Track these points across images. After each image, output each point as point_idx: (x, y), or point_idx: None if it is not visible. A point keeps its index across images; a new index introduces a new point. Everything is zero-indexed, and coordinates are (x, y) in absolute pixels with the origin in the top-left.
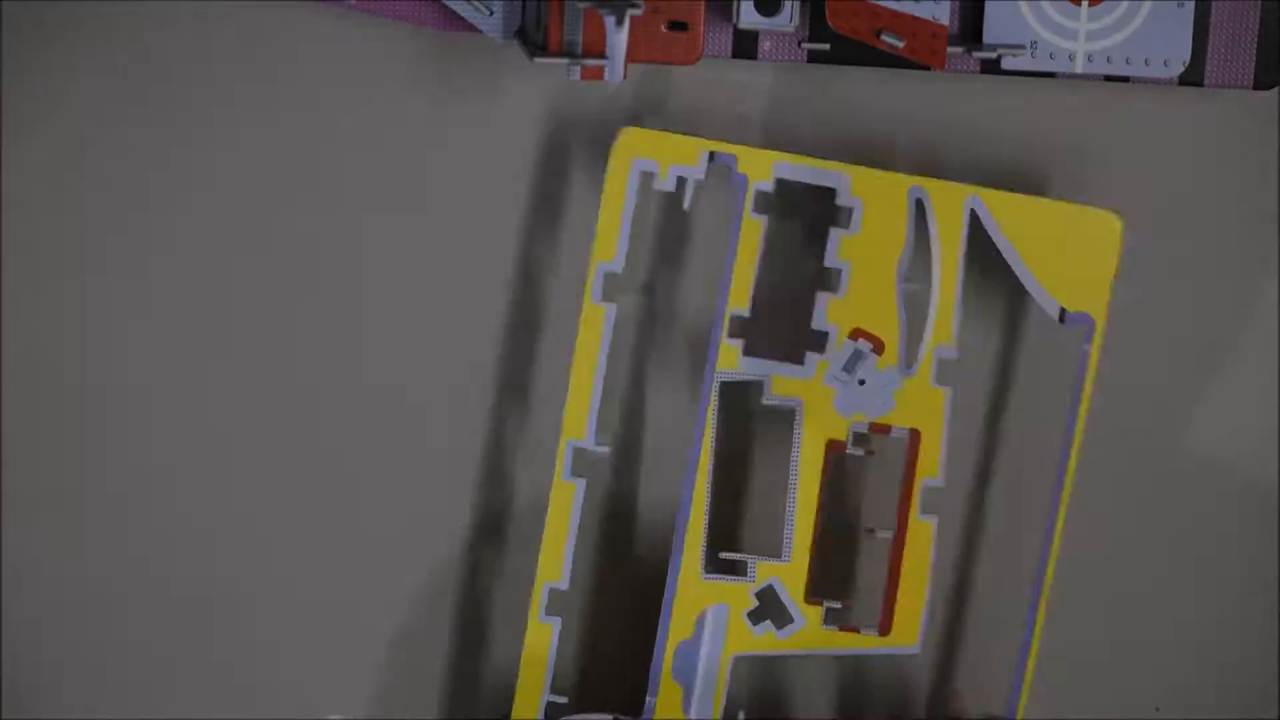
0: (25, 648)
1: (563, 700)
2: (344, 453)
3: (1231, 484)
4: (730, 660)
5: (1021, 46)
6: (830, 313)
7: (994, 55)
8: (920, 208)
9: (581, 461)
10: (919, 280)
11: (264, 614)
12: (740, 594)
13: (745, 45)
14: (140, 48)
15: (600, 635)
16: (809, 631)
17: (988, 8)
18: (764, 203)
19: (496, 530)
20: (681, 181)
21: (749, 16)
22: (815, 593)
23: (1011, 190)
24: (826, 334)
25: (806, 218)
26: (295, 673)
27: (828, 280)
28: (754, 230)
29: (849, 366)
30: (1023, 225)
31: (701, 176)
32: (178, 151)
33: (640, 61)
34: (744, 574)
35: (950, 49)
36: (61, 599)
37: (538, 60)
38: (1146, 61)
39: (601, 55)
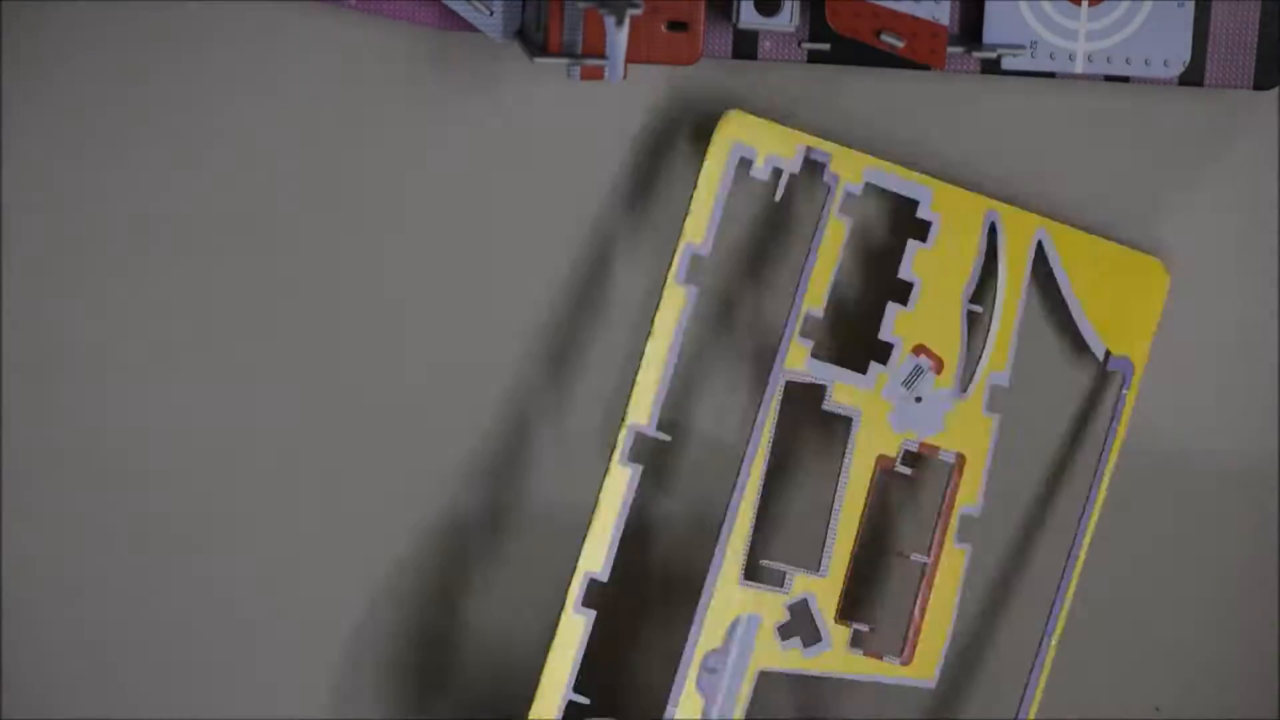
0: (25, 648)
1: (585, 701)
2: (351, 451)
3: (1231, 484)
4: (755, 674)
5: (1021, 46)
6: (898, 325)
7: (994, 55)
8: (993, 232)
9: (640, 447)
10: (982, 304)
11: (266, 612)
12: (775, 605)
13: (745, 45)
14: (139, 47)
15: (628, 635)
16: (835, 654)
17: (988, 8)
18: (850, 205)
19: (505, 528)
20: (777, 172)
21: (749, 16)
22: (846, 613)
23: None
24: (891, 346)
25: (887, 228)
26: (297, 672)
27: (898, 292)
28: (838, 231)
29: (908, 382)
30: (1081, 261)
31: (796, 170)
32: (177, 152)
33: (640, 62)
34: (780, 585)
35: (950, 49)
36: (61, 599)
37: (538, 60)
38: (1146, 61)
39: (601, 55)
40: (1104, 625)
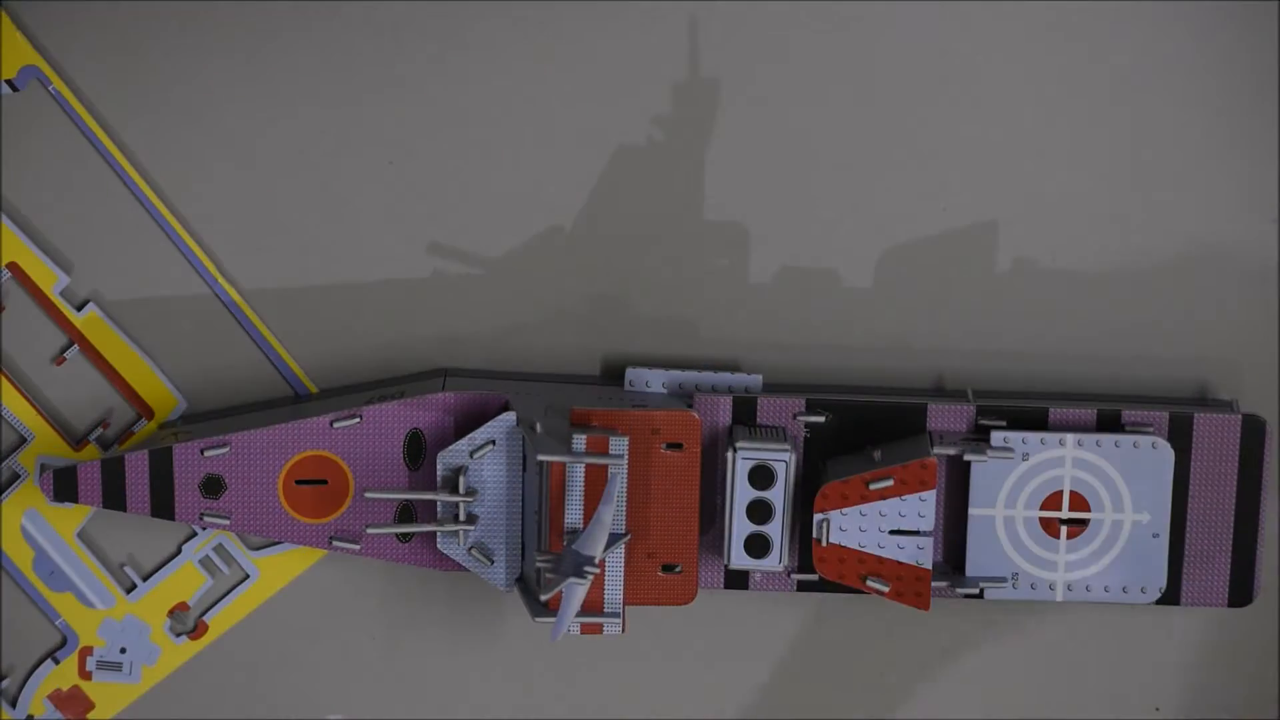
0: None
1: None
2: None
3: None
4: None
5: (1003, 579)
6: None
7: (977, 590)
8: None
9: None
10: None
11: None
12: None
13: (736, 578)
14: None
15: None
16: None
17: (969, 543)
18: None
19: None
20: None
21: (739, 560)
22: None
23: None
24: None
25: None
26: (298, 671)
27: None
28: None
29: None
30: None
31: None
32: (179, 152)
33: (638, 604)
34: None
35: (935, 583)
36: None
37: (539, 620)
38: (1124, 589)
39: (604, 613)
40: (1104, 624)
